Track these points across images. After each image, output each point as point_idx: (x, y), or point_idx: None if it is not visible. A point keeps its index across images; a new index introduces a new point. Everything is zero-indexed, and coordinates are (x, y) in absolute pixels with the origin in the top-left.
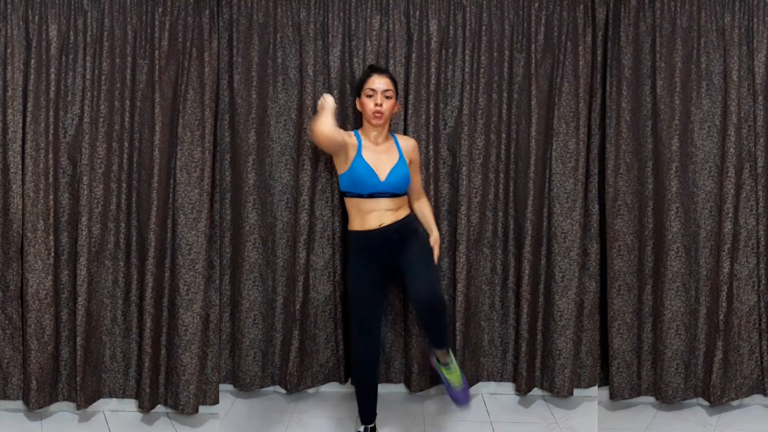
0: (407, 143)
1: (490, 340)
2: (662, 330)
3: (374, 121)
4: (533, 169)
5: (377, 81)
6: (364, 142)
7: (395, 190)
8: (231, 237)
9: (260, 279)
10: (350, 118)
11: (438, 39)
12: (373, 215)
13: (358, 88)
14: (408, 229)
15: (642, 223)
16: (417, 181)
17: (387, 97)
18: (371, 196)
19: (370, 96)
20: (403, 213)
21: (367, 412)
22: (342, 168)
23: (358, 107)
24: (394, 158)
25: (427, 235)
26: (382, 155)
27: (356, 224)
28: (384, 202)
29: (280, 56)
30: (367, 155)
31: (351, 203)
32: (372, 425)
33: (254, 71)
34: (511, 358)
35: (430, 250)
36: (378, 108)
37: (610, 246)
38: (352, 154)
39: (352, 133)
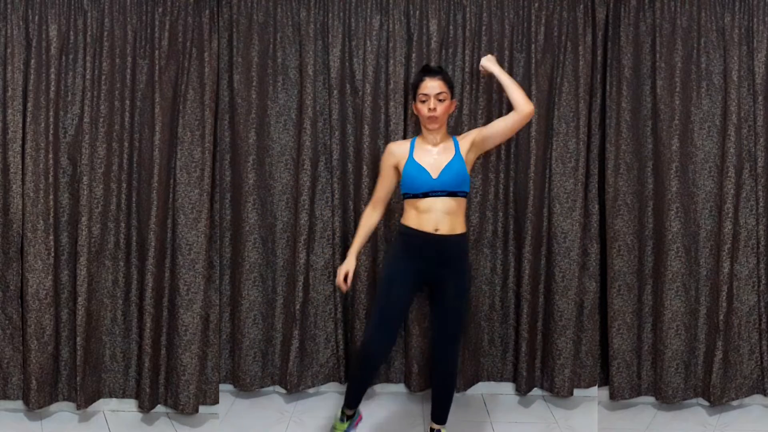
0: (464, 139)
1: (490, 340)
2: (662, 330)
3: (430, 126)
4: (533, 169)
5: (429, 85)
6: (419, 146)
7: (450, 188)
8: (231, 237)
9: (260, 279)
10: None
11: (438, 39)
12: (430, 216)
13: (412, 92)
14: (459, 248)
15: (642, 223)
16: (498, 122)
17: (440, 100)
18: (426, 195)
19: (424, 101)
20: (459, 227)
21: (357, 397)
22: (399, 178)
23: (414, 111)
24: (450, 156)
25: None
26: (438, 155)
27: (412, 221)
28: (440, 203)
29: (280, 56)
30: (420, 156)
31: (409, 203)
32: (353, 412)
33: (254, 71)
34: (511, 358)
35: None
36: (432, 113)
37: (610, 246)
38: (403, 162)
39: (408, 142)
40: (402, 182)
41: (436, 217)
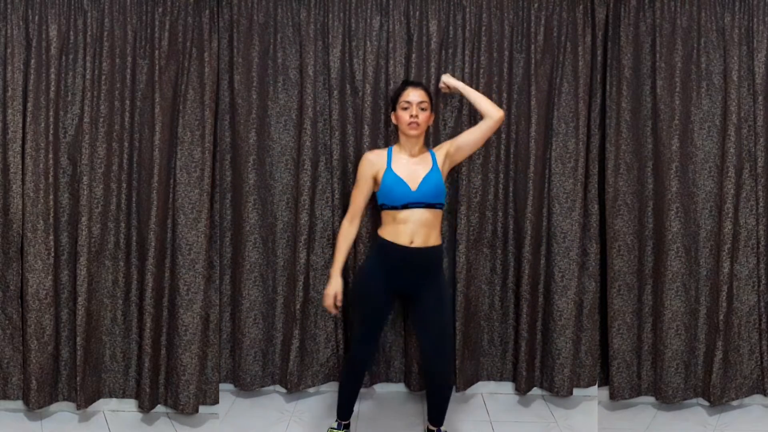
0: (439, 150)
1: (489, 339)
2: (662, 330)
3: (411, 132)
4: (533, 169)
5: (412, 93)
6: (396, 156)
7: (428, 200)
8: (231, 237)
9: (260, 279)
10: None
11: (438, 39)
12: (407, 228)
13: (393, 102)
14: (434, 261)
15: (642, 223)
16: (470, 131)
17: (422, 109)
18: (405, 207)
19: (406, 108)
20: (434, 240)
21: (348, 409)
22: (376, 188)
23: (394, 121)
24: (428, 167)
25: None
26: (416, 166)
27: (388, 233)
28: (418, 214)
29: (281, 56)
30: (398, 167)
31: (386, 214)
32: (347, 422)
33: (254, 71)
34: (511, 357)
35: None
36: (414, 119)
37: (610, 246)
38: (381, 172)
39: (385, 151)
40: (380, 193)
41: (413, 228)
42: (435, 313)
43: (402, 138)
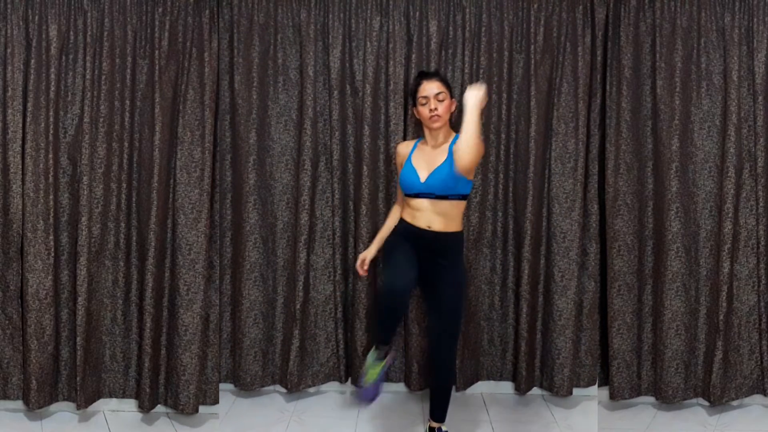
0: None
1: (489, 339)
2: (662, 330)
3: (434, 125)
4: (532, 170)
5: (427, 87)
6: (420, 146)
7: (437, 191)
8: (231, 237)
9: (261, 279)
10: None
11: (438, 40)
12: (422, 215)
13: (412, 98)
14: (453, 244)
15: (642, 223)
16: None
17: (440, 100)
18: (417, 196)
19: (424, 104)
20: (454, 227)
21: (389, 334)
22: None
23: (416, 115)
24: (441, 159)
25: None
26: (433, 157)
27: (408, 216)
28: (430, 204)
29: (281, 57)
30: (417, 158)
31: (406, 200)
32: (388, 349)
33: (255, 72)
34: (511, 357)
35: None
36: (434, 113)
37: (610, 246)
38: (404, 161)
39: (413, 142)
40: (400, 182)
41: (428, 216)
42: (450, 302)
43: (426, 130)
